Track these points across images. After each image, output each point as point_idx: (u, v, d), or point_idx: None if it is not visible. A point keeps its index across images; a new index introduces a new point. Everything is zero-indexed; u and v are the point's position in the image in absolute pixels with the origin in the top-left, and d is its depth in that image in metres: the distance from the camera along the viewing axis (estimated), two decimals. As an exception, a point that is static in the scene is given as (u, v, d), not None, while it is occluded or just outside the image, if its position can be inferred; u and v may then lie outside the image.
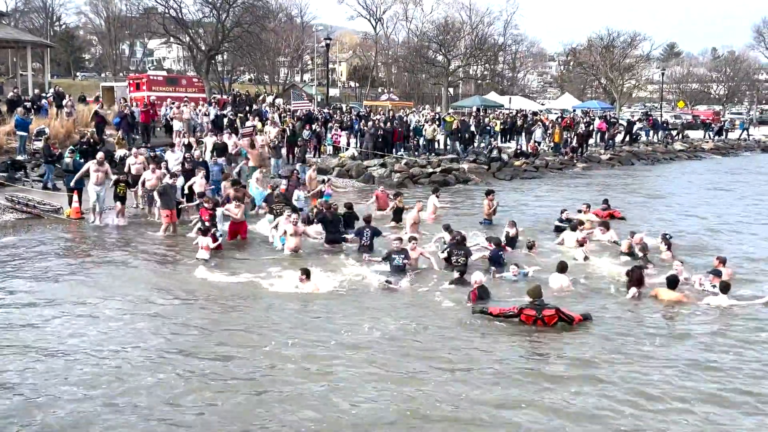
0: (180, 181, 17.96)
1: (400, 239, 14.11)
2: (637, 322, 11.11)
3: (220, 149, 22.56)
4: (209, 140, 23.41)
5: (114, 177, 17.87)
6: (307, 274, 12.50)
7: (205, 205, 15.81)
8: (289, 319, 10.89)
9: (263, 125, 29.18)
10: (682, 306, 12.01)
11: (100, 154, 18.25)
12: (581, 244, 15.12)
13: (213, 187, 18.65)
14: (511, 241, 15.74)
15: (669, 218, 21.12)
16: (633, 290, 12.29)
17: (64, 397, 7.96)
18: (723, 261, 13.87)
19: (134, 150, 20.68)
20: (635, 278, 12.42)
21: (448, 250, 14.32)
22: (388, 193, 20.11)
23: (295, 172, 21.50)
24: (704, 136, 51.48)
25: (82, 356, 9.17)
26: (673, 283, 12.32)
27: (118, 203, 17.70)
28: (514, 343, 10.11)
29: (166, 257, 14.86)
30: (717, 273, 12.82)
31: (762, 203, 25.14)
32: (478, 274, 12.30)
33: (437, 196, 19.92)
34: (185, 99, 31.18)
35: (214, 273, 13.41)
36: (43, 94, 29.33)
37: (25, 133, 23.72)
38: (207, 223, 15.11)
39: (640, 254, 14.91)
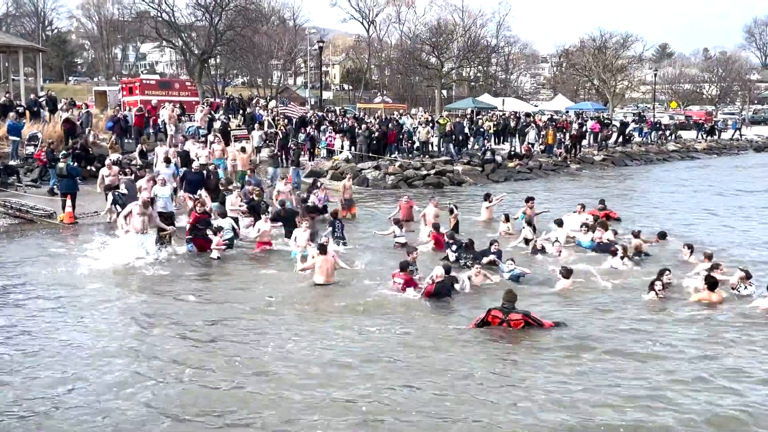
0: (167, 190, 17.37)
1: (415, 249, 14.00)
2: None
3: (183, 158, 21.44)
4: (160, 150, 21.63)
5: (166, 228, 15.41)
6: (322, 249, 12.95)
7: (197, 208, 15.81)
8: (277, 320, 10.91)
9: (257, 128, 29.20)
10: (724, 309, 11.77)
11: (144, 196, 16.09)
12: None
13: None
14: (542, 249, 15.77)
15: (662, 217, 21.15)
16: (652, 294, 12.21)
17: (58, 403, 7.95)
18: (709, 256, 14.04)
19: (108, 161, 20.04)
20: (653, 282, 12.34)
21: (456, 254, 14.50)
22: (413, 203, 19.91)
23: (317, 181, 21.60)
24: (697, 137, 51.66)
25: (79, 361, 9.16)
26: (714, 284, 12.03)
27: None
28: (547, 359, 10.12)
29: (163, 262, 14.80)
30: (747, 275, 12.58)
31: (753, 200, 25.37)
32: (439, 269, 12.31)
33: (490, 201, 19.97)
34: (178, 103, 31.16)
35: (219, 277, 13.42)
36: (37, 99, 29.16)
37: (17, 138, 23.63)
38: (189, 224, 15.36)
39: (620, 252, 15.02)
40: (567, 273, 13.10)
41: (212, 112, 30.95)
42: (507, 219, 18.21)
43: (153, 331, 10.44)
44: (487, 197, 20.40)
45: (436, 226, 16.68)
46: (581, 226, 17.10)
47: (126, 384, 8.42)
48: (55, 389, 8.26)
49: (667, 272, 12.65)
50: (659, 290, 12.20)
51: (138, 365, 9.04)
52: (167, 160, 19.75)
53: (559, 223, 17.39)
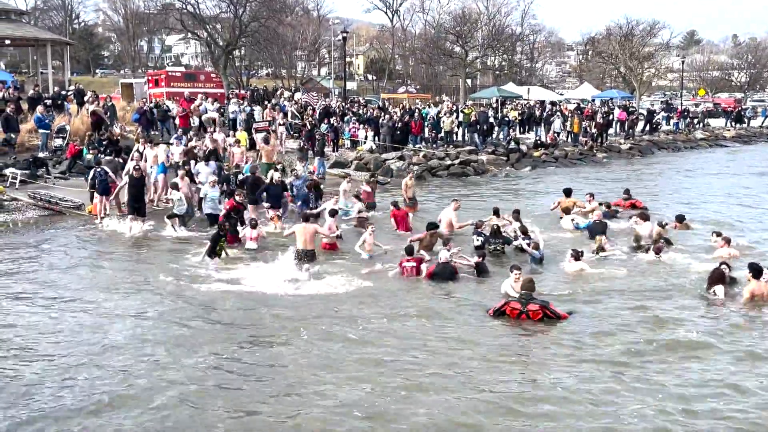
0: (217, 191, 17.11)
1: (449, 238, 14.37)
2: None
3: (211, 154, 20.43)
4: (152, 150, 20.01)
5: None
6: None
7: (237, 198, 16.04)
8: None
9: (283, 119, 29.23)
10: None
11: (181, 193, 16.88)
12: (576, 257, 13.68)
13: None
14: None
15: (689, 206, 20.88)
16: (721, 288, 11.65)
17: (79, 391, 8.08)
18: (728, 240, 14.18)
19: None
20: (716, 276, 11.81)
21: (483, 239, 14.59)
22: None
23: (375, 178, 21.44)
24: (726, 125, 50.94)
25: (104, 355, 9.31)
26: (759, 271, 11.52)
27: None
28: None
29: (188, 253, 14.94)
30: None
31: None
32: (444, 253, 12.86)
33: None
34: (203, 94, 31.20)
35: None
36: (63, 92, 29.46)
37: (46, 131, 23.94)
38: (225, 210, 15.41)
39: (635, 244, 15.05)
40: (577, 255, 13.27)
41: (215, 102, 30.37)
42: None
43: (187, 320, 10.59)
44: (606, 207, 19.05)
45: (394, 204, 17.41)
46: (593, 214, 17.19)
47: (153, 367, 8.57)
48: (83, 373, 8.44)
49: (725, 266, 12.16)
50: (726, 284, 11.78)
51: (148, 351, 9.20)
52: (206, 159, 19.22)
53: (567, 210, 17.75)
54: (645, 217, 16.40)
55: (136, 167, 17.36)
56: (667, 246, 14.59)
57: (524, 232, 14.93)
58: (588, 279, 12.87)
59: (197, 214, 17.55)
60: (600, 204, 18.35)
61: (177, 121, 27.41)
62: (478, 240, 14.76)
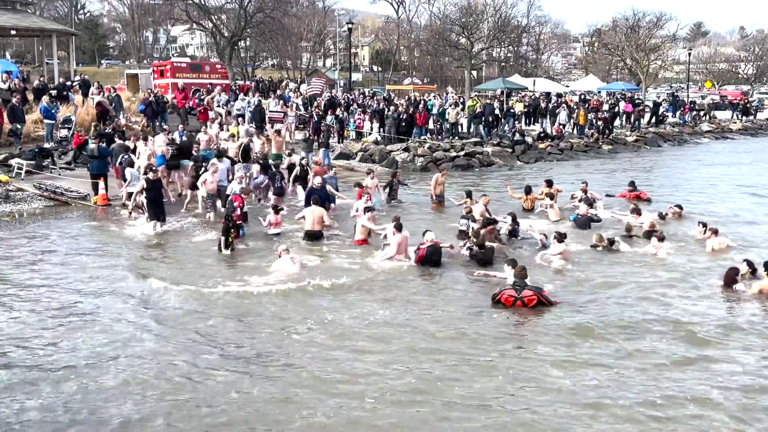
0: (233, 186, 16.65)
1: (478, 230, 14.28)
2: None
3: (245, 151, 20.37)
4: (144, 146, 19.57)
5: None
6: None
7: (243, 195, 15.98)
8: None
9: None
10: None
11: (210, 188, 16.91)
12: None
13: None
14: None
15: (694, 199, 20.84)
16: (739, 286, 11.45)
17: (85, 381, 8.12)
18: (714, 231, 14.28)
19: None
20: (730, 276, 11.63)
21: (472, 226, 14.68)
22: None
23: (398, 173, 21.29)
24: (732, 117, 50.76)
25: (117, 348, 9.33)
26: None
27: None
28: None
29: (202, 245, 14.96)
30: None
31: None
32: (430, 234, 13.10)
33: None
34: (209, 85, 31.24)
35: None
36: (68, 83, 29.47)
37: (52, 121, 23.95)
38: (239, 210, 15.34)
39: (626, 233, 15.14)
40: (561, 237, 13.44)
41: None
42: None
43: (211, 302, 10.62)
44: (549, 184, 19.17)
45: (358, 184, 17.91)
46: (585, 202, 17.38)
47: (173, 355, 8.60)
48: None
49: (746, 262, 12.06)
50: (744, 280, 11.63)
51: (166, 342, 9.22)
52: (219, 156, 18.49)
53: (550, 196, 17.93)
54: (638, 212, 16.55)
55: (154, 169, 16.77)
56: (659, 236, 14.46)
57: (514, 219, 15.34)
58: (584, 268, 12.93)
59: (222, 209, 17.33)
60: (586, 193, 18.45)
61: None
62: (463, 225, 14.97)
